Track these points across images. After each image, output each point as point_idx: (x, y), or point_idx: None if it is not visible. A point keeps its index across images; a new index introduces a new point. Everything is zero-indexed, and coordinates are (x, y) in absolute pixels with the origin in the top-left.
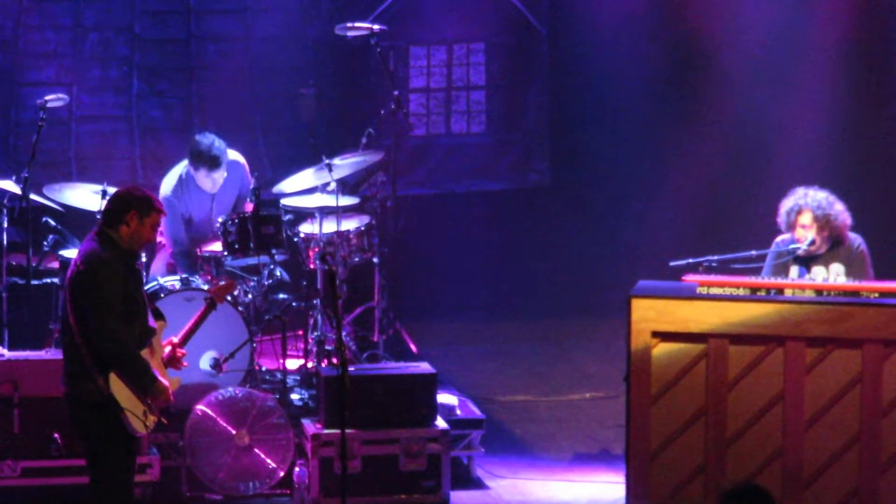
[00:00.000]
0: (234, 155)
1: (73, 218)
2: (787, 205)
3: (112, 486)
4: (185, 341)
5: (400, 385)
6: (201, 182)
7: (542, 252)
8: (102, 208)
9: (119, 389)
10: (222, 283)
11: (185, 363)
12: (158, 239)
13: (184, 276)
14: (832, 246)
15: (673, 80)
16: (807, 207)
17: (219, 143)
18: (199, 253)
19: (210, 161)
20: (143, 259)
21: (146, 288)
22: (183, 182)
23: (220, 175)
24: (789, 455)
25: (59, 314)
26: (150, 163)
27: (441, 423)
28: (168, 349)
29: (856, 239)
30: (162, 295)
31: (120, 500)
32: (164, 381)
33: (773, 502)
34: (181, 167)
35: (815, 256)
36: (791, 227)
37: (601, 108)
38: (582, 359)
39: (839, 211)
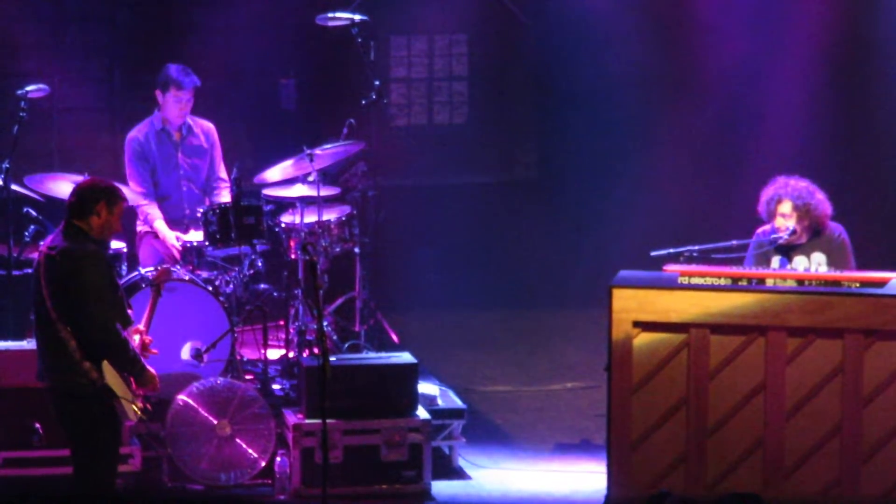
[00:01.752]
0: (206, 122)
1: (54, 209)
2: (767, 194)
3: (100, 476)
4: (147, 329)
5: (381, 375)
6: (169, 110)
7: (523, 241)
8: (67, 202)
9: (111, 378)
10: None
11: (153, 350)
12: (145, 229)
13: (164, 266)
14: (813, 235)
15: (657, 71)
16: (787, 197)
17: (188, 70)
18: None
19: (179, 79)
20: (125, 250)
21: (127, 278)
22: (154, 129)
23: (188, 100)
24: (771, 445)
25: (34, 310)
26: None
27: (422, 413)
28: (137, 338)
29: (836, 228)
30: (143, 285)
31: (106, 490)
32: (152, 369)
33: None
34: (153, 118)
35: (796, 246)
36: (771, 216)
37: (585, 101)
38: (563, 349)
39: (819, 200)
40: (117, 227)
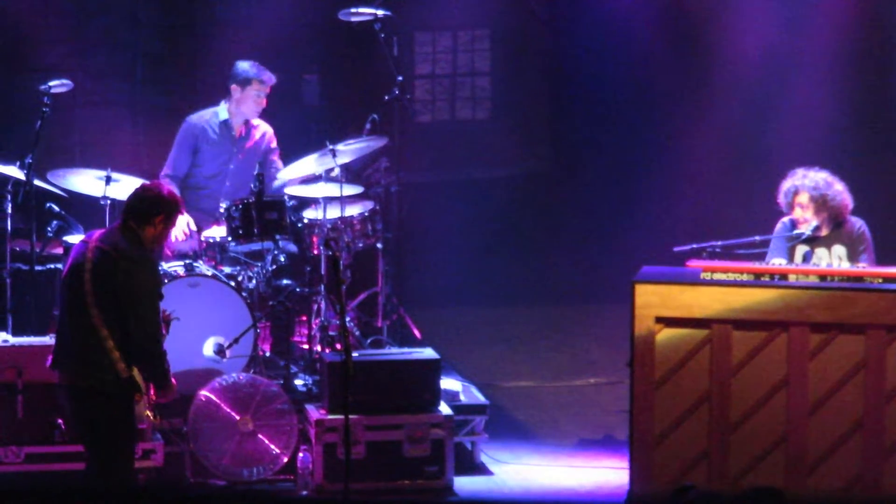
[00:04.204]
0: (266, 126)
1: (76, 204)
2: (785, 186)
3: (122, 474)
4: None
5: (404, 371)
6: (247, 105)
7: (546, 237)
8: (128, 203)
9: (138, 378)
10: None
11: (176, 316)
12: None
13: (187, 261)
14: (834, 227)
15: (675, 64)
16: (804, 189)
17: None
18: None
19: (260, 75)
20: None
21: None
22: (218, 120)
23: (266, 95)
24: (793, 441)
25: (68, 300)
26: (154, 149)
27: (445, 408)
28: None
29: (857, 222)
30: (166, 281)
31: (127, 487)
32: (174, 381)
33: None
34: (222, 111)
35: (818, 238)
36: (790, 207)
37: (604, 94)
38: (585, 344)
39: (838, 191)
40: (165, 242)
